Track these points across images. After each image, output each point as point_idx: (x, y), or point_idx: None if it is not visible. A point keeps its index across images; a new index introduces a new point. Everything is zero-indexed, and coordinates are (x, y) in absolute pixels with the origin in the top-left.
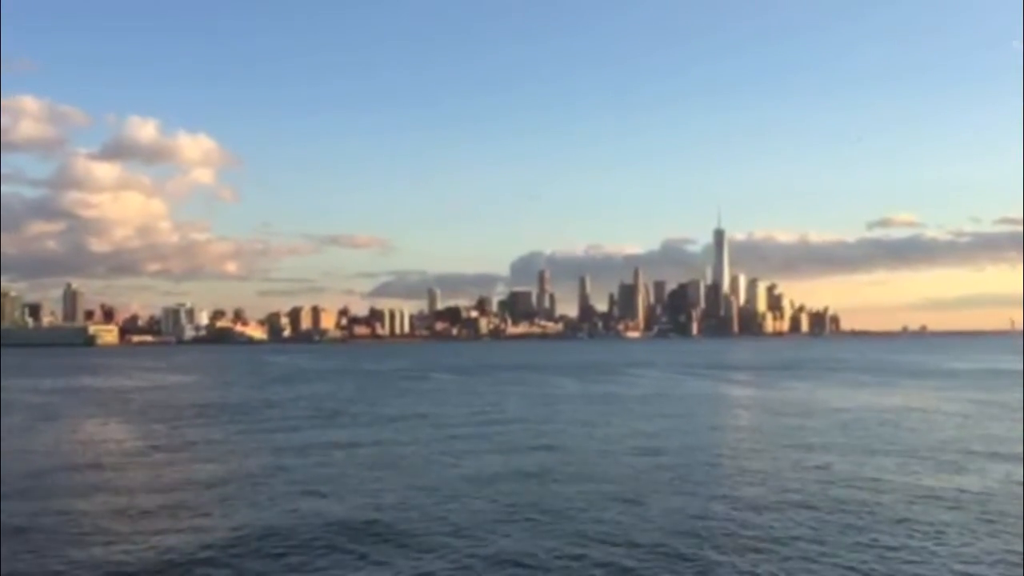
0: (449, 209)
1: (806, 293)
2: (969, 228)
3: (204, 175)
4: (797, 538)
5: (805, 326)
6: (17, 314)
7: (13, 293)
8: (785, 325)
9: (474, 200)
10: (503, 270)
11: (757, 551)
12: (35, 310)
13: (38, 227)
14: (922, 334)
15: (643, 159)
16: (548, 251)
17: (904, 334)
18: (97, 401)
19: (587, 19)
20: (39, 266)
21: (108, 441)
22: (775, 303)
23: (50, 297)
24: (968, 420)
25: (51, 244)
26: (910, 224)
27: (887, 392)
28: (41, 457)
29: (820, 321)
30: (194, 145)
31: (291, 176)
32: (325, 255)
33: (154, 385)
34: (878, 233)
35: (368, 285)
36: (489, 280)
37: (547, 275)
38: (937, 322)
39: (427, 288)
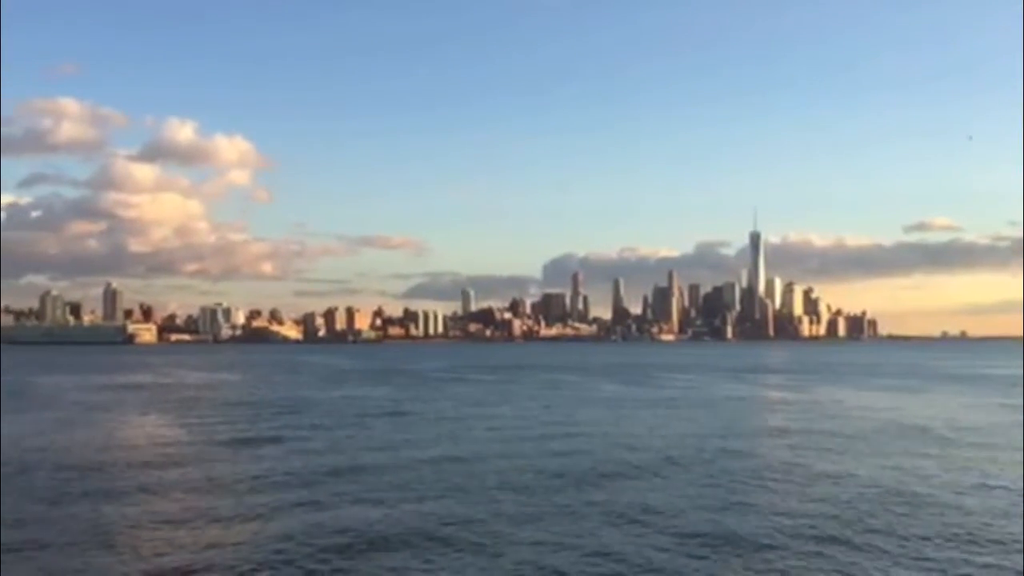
0: (482, 211)
1: (842, 297)
2: (1008, 232)
3: (240, 176)
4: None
5: (842, 330)
6: (59, 312)
7: (55, 292)
8: (822, 329)
9: (507, 201)
10: (536, 272)
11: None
12: (76, 309)
13: (79, 227)
14: (962, 339)
15: (676, 161)
16: (581, 253)
17: (944, 339)
18: (159, 399)
19: (618, 21)
20: (80, 265)
21: (159, 437)
22: (812, 307)
23: (91, 296)
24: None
25: (92, 244)
26: (947, 228)
27: (937, 397)
28: (76, 451)
29: (858, 325)
30: (230, 147)
31: (325, 177)
32: (359, 256)
33: (199, 383)
34: (915, 237)
35: (402, 286)
36: (522, 282)
37: (580, 277)
38: (977, 327)
39: (460, 289)
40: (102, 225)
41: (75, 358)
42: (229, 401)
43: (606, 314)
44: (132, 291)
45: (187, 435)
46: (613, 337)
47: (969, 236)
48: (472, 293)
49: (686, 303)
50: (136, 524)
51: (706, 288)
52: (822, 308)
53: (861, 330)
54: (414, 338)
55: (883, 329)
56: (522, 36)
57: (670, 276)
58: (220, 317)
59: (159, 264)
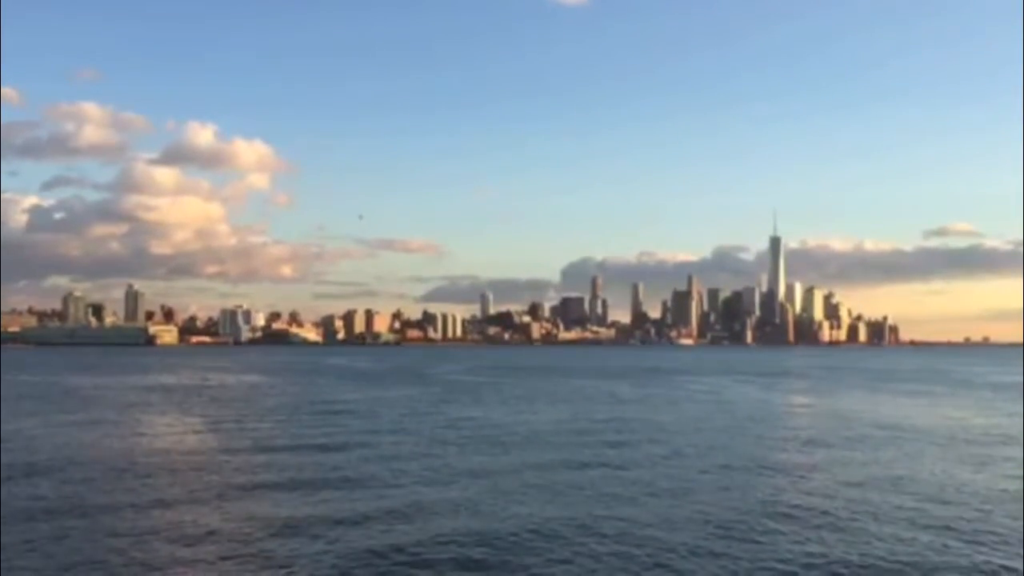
0: (500, 214)
1: (862, 302)
2: None
3: (259, 180)
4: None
5: (863, 336)
6: (81, 313)
7: (78, 293)
8: (842, 334)
9: (525, 205)
10: (554, 276)
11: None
12: (98, 310)
13: (102, 229)
14: (985, 345)
15: (693, 165)
16: (599, 257)
17: (967, 345)
18: (193, 400)
19: (634, 23)
20: (102, 267)
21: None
22: (832, 312)
23: (113, 297)
24: None
25: (114, 246)
26: (968, 233)
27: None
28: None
29: (879, 331)
30: (250, 150)
31: (344, 181)
32: (378, 259)
33: (228, 384)
34: (935, 242)
35: (420, 289)
36: (541, 286)
37: (600, 281)
38: (1000, 333)
39: (479, 293)
40: (124, 227)
41: (99, 359)
42: (262, 403)
43: (625, 318)
44: (153, 293)
45: (221, 440)
46: (632, 341)
47: (991, 241)
48: (490, 296)
49: (705, 307)
50: (155, 531)
51: (725, 292)
52: (842, 313)
53: (882, 335)
54: (432, 341)
55: (904, 335)
56: (539, 37)
57: (689, 280)
58: (240, 319)
59: (180, 266)
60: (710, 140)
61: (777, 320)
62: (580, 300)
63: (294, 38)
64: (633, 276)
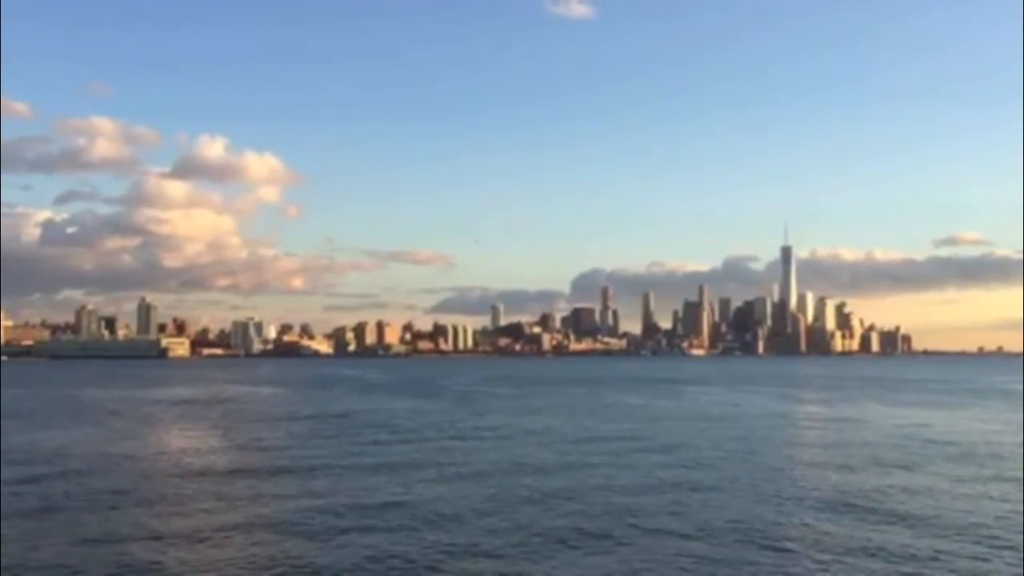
0: (509, 225)
1: (874, 312)
2: None
3: (270, 193)
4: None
5: (876, 345)
6: (94, 327)
7: (90, 306)
8: (855, 344)
9: (533, 215)
10: (564, 287)
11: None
12: (111, 323)
13: (114, 243)
14: (999, 354)
15: (701, 175)
16: (609, 268)
17: (980, 354)
18: (212, 413)
19: (644, 31)
20: (115, 280)
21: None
22: (844, 322)
23: (125, 310)
24: None
25: (126, 259)
26: (978, 242)
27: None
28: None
29: (892, 340)
30: (260, 164)
31: (354, 194)
32: (388, 271)
33: (245, 396)
34: (945, 251)
35: (430, 301)
36: (551, 297)
37: (610, 292)
38: (1014, 342)
39: (489, 304)
40: (136, 241)
41: (112, 372)
42: (277, 416)
43: (635, 328)
44: (165, 305)
45: (237, 456)
46: (643, 352)
47: (1001, 250)
48: (501, 307)
49: (716, 317)
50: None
51: (736, 302)
52: (855, 323)
53: (895, 345)
54: (443, 352)
55: (917, 344)
56: (547, 46)
57: (700, 290)
58: (252, 331)
59: (192, 279)
60: (719, 147)
61: (789, 330)
62: (591, 311)
63: (304, 49)
64: (643, 286)
